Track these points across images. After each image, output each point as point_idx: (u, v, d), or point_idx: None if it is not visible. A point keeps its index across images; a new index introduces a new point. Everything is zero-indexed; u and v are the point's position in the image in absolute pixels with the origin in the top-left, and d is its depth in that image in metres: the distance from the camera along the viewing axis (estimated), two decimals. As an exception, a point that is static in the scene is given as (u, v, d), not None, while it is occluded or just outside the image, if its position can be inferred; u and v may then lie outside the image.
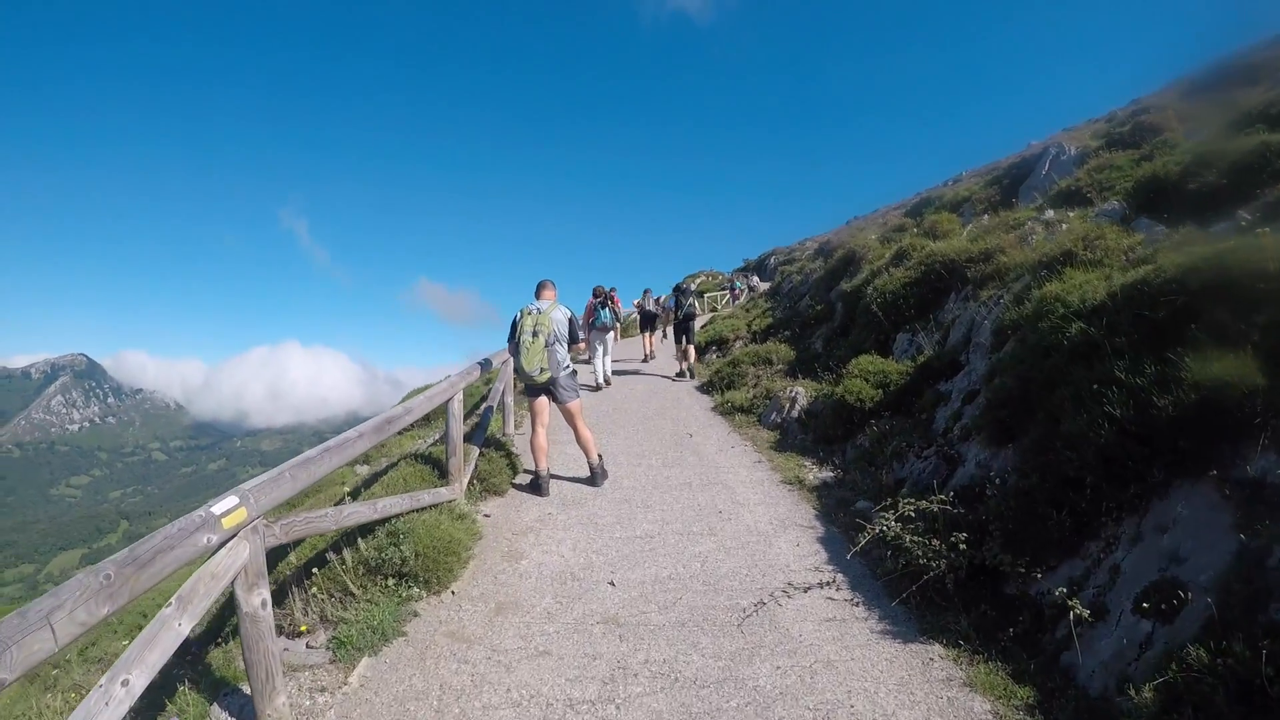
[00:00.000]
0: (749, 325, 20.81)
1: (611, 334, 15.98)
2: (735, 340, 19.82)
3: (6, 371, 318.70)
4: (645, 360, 20.25)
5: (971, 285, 10.02)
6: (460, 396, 6.92)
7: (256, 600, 3.53)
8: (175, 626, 2.97)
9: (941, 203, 20.16)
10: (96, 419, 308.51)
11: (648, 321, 20.31)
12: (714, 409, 12.65)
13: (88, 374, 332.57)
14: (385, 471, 7.45)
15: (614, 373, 17.26)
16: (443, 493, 6.49)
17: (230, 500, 3.32)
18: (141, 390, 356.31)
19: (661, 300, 19.74)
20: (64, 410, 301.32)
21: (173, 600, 3.03)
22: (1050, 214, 11.67)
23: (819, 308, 16.56)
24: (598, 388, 15.39)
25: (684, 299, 16.69)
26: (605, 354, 15.90)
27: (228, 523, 3.22)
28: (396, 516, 5.64)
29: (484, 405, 9.50)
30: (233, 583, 3.43)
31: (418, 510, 5.94)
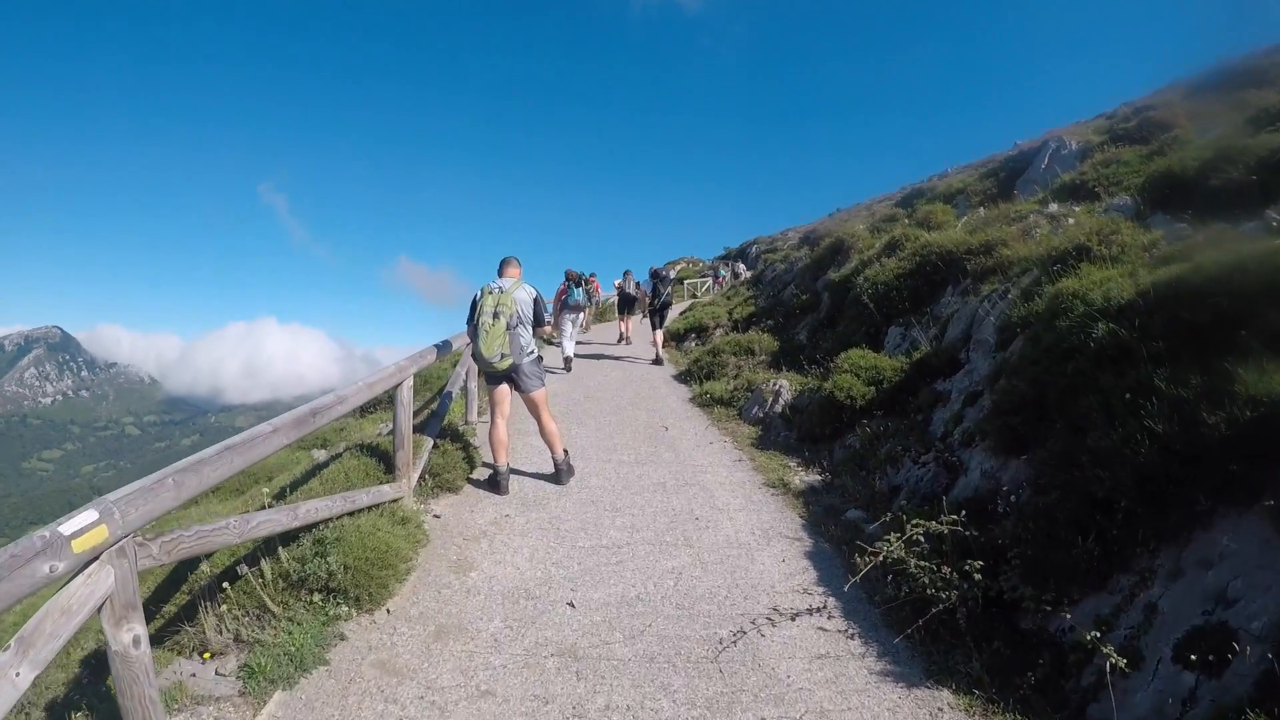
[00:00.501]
0: (730, 313, 20.15)
1: (581, 314, 16.15)
2: (716, 328, 19.15)
3: None
4: (619, 342, 20.09)
5: (971, 279, 9.42)
6: (410, 382, 6.19)
7: (127, 637, 2.83)
8: (12, 677, 2.27)
9: (934, 194, 19.48)
10: (70, 392, 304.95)
11: (626, 304, 19.98)
12: (692, 400, 11.97)
13: (61, 347, 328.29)
14: (329, 464, 6.77)
15: (589, 356, 17.41)
16: (386, 491, 5.80)
17: (87, 516, 2.60)
18: (116, 364, 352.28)
19: (640, 284, 19.22)
20: (37, 383, 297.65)
21: (11, 643, 2.33)
22: (1054, 208, 11.10)
23: (804, 297, 15.88)
24: (568, 368, 15.03)
25: (661, 286, 16.51)
26: (571, 334, 15.55)
27: (80, 545, 2.50)
28: (325, 522, 4.96)
29: (443, 391, 8.78)
30: (99, 613, 2.73)
31: (353, 513, 5.26)
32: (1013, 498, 5.01)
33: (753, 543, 5.84)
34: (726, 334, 17.09)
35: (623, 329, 20.39)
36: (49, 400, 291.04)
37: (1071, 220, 9.63)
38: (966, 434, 6.56)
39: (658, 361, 16.52)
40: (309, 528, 4.86)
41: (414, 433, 7.17)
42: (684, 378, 14.14)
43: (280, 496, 6.31)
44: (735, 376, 12.44)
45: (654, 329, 16.99)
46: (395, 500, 5.95)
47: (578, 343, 18.69)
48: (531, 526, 6.16)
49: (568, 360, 15.14)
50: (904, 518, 5.06)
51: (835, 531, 6.03)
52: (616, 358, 17.67)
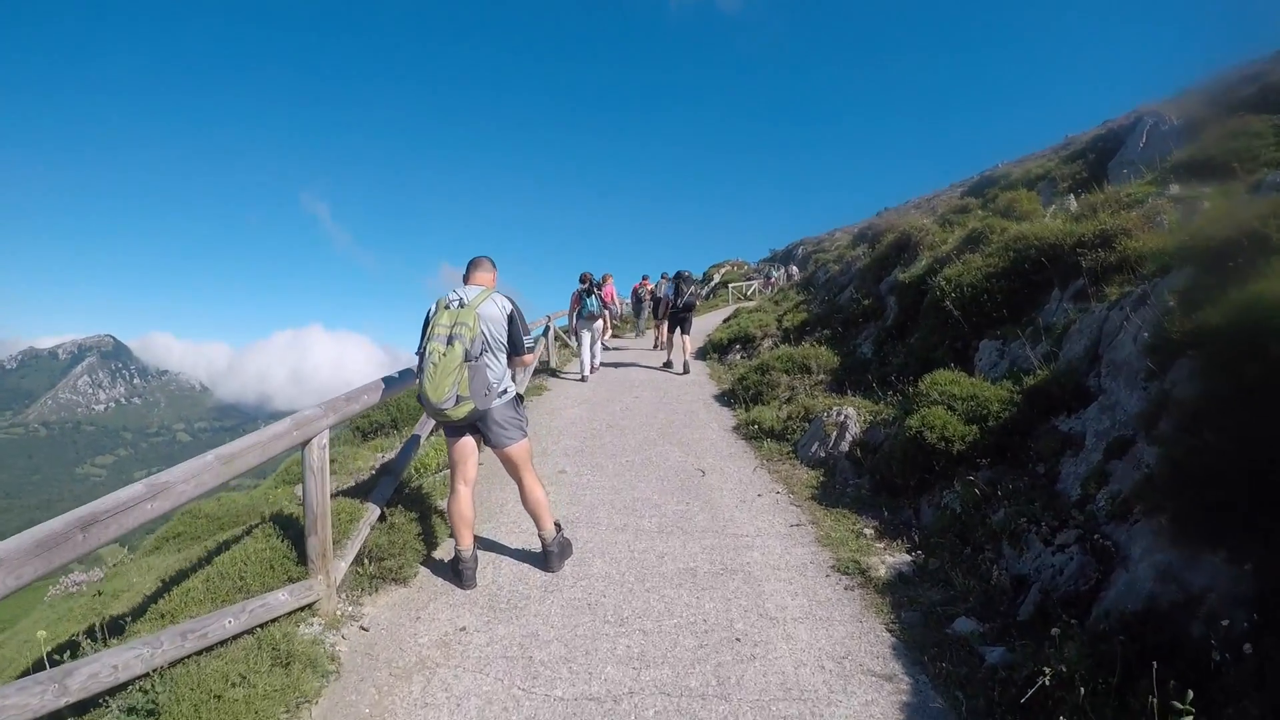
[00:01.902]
0: (779, 320, 17.89)
1: (600, 322, 15.16)
2: (763, 338, 16.98)
3: (34, 351, 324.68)
4: (656, 348, 19.05)
5: (1086, 279, 7.39)
6: (322, 440, 4.25)
7: None
8: None
9: (1007, 182, 17.22)
10: (122, 399, 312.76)
11: (656, 309, 18.80)
12: (736, 430, 9.90)
13: (114, 355, 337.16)
14: (233, 545, 4.92)
15: (622, 364, 16.81)
16: (280, 601, 3.92)
17: None
18: (167, 372, 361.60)
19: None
20: (90, 391, 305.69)
21: None
22: (1176, 189, 9.05)
23: (866, 302, 13.56)
24: (583, 379, 14.55)
25: (684, 287, 15.29)
26: (593, 344, 15.10)
27: None
28: (142, 677, 3.12)
29: (407, 436, 6.88)
30: None
31: (202, 651, 3.41)
32: (1246, 646, 2.97)
33: (821, 687, 3.79)
34: (776, 345, 14.99)
35: (658, 337, 19.11)
36: (102, 407, 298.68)
37: (1206, 203, 7.65)
38: (1118, 502, 4.55)
39: (677, 369, 15.66)
40: (122, 687, 3.03)
41: (358, 499, 5.34)
42: (727, 399, 12.05)
43: (159, 592, 4.49)
44: (788, 400, 10.36)
45: (672, 332, 16.04)
46: (304, 608, 4.11)
47: (612, 349, 19.03)
48: (493, 653, 4.14)
49: (584, 377, 14.60)
50: (1072, 674, 3.09)
51: (945, 666, 3.95)
52: (650, 368, 16.14)
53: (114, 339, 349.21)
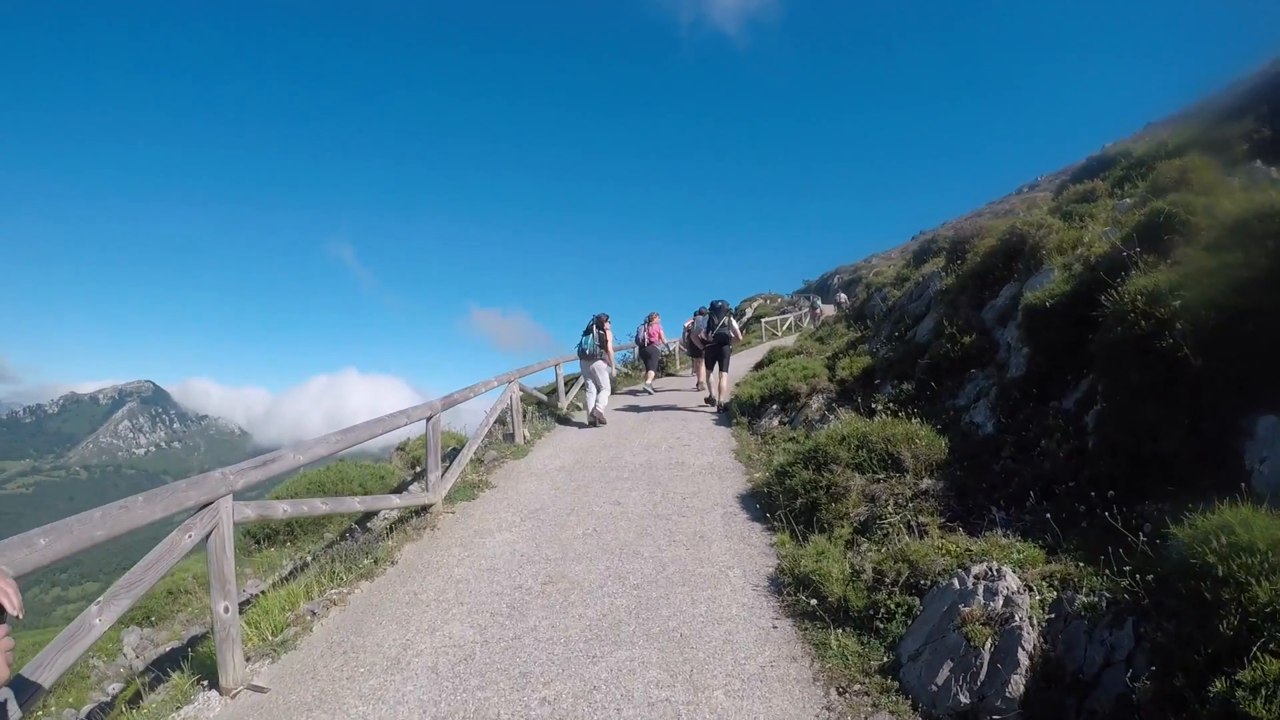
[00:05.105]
0: (830, 367, 13.40)
1: (601, 362, 13.77)
2: (810, 395, 11.73)
3: (75, 397, 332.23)
4: (698, 388, 18.03)
5: None
6: None
7: None
8: None
9: (1131, 160, 12.79)
10: (162, 444, 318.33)
11: (694, 350, 18.14)
12: (774, 588, 5.41)
13: (154, 400, 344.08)
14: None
15: (647, 409, 15.35)
16: None
17: None
18: (206, 417, 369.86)
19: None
20: (131, 435, 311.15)
21: None
22: None
23: (966, 340, 8.68)
24: (592, 419, 13.40)
25: (716, 319, 14.43)
26: (597, 389, 13.80)
27: None
28: None
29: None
30: None
31: None
32: None
33: None
34: (831, 407, 10.13)
35: (700, 376, 17.73)
36: (143, 451, 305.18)
37: None
38: None
39: (714, 406, 14.71)
40: None
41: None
42: (761, 505, 7.46)
43: None
44: (868, 529, 5.72)
45: (709, 369, 15.46)
46: None
47: (653, 389, 18.10)
48: None
49: (594, 417, 13.37)
50: None
51: None
52: (672, 426, 12.99)
53: (154, 384, 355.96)
